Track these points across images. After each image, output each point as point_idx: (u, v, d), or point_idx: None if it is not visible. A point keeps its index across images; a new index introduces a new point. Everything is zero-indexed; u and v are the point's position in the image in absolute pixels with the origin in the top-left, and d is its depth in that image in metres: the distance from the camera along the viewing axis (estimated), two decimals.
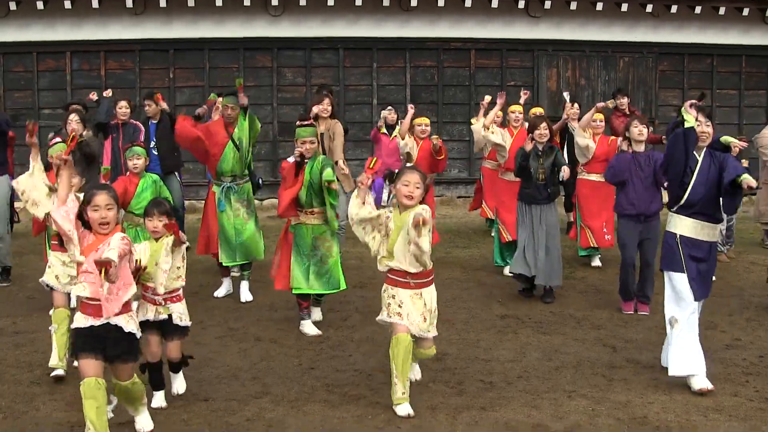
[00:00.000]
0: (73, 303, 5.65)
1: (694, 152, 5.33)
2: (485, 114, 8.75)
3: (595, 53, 13.15)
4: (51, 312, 5.69)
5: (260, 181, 7.70)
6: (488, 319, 6.86)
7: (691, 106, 5.26)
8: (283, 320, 6.78)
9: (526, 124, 8.10)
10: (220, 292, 7.54)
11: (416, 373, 5.36)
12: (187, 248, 4.95)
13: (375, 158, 5.08)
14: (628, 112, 10.09)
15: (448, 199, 12.85)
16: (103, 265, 3.87)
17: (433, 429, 4.66)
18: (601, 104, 8.60)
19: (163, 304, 4.85)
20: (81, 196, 5.45)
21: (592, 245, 8.59)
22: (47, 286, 5.69)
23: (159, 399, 4.93)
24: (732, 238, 9.34)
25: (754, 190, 5.33)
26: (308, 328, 6.47)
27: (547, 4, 12.42)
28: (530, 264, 7.29)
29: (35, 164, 6.30)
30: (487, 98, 9.04)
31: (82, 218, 4.25)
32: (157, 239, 4.83)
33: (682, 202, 5.34)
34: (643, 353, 5.94)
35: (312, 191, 6.32)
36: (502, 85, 12.94)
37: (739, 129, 12.98)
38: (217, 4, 11.86)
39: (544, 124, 7.39)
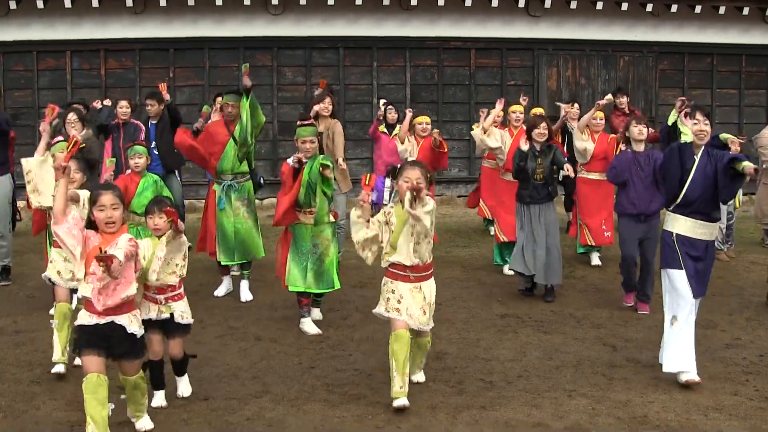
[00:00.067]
0: (74, 303, 5.67)
1: (692, 150, 5.35)
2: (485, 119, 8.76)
3: (595, 52, 13.15)
4: (52, 310, 5.69)
5: (261, 179, 7.69)
6: (488, 319, 6.86)
7: (686, 116, 5.28)
8: (283, 319, 6.78)
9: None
10: (220, 291, 7.54)
11: (419, 377, 5.38)
12: (189, 247, 4.95)
13: (369, 174, 5.07)
14: (627, 112, 10.09)
15: (448, 199, 12.85)
16: (105, 261, 3.89)
17: (433, 428, 4.67)
18: (602, 101, 8.59)
19: (164, 303, 4.86)
20: (81, 193, 5.51)
21: (589, 243, 8.61)
22: (49, 280, 5.71)
23: (159, 398, 4.93)
24: (732, 238, 9.34)
25: (754, 176, 5.35)
26: (308, 326, 6.47)
27: (547, 3, 12.41)
28: (529, 264, 7.30)
29: (48, 154, 6.33)
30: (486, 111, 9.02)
31: (89, 222, 4.30)
32: (159, 237, 4.84)
33: (679, 200, 5.35)
34: (643, 352, 5.94)
35: (311, 191, 6.32)
36: (502, 84, 12.96)
37: (739, 128, 12.97)
38: (217, 4, 11.86)
39: (543, 124, 7.40)
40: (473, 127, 9.26)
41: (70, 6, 11.73)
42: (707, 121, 5.37)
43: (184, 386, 5.12)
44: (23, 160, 6.58)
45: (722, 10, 12.73)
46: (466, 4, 12.31)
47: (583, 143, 8.43)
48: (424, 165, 5.19)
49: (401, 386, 4.85)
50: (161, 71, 12.37)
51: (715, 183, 5.25)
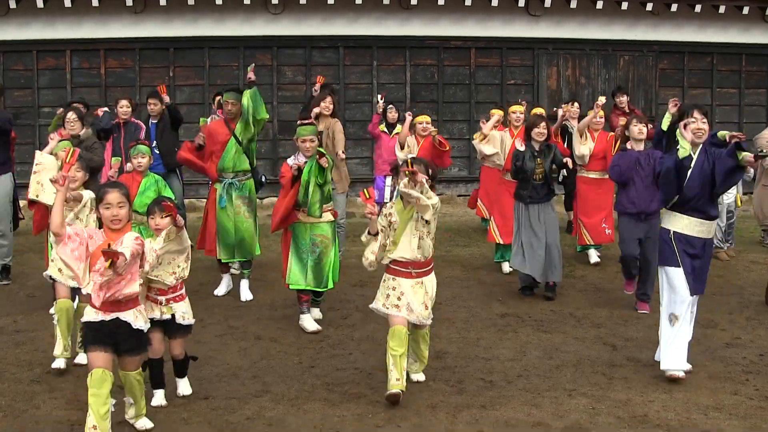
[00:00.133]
0: (75, 303, 5.67)
1: (689, 164, 5.33)
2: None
3: (595, 52, 13.15)
4: (52, 309, 5.70)
5: (263, 178, 7.69)
6: (488, 318, 6.86)
7: (685, 126, 5.25)
8: (283, 319, 6.78)
9: None
10: (221, 291, 7.53)
11: (420, 377, 5.40)
12: (191, 247, 4.96)
13: (367, 190, 5.07)
14: (627, 111, 10.09)
15: (448, 198, 12.84)
16: (111, 256, 3.90)
17: (434, 427, 4.67)
18: (601, 102, 8.59)
19: (166, 304, 4.87)
20: (85, 193, 5.51)
21: (588, 242, 8.61)
22: (50, 278, 5.73)
23: (159, 397, 4.93)
24: (732, 237, 9.35)
25: (753, 165, 5.35)
26: (307, 322, 6.49)
27: (547, 3, 12.40)
28: (529, 263, 7.31)
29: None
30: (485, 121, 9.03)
31: (100, 224, 4.35)
32: None
33: (677, 198, 5.35)
34: (643, 352, 5.94)
35: (309, 190, 6.33)
36: (503, 83, 12.95)
37: (739, 128, 12.95)
38: (217, 3, 11.85)
39: (543, 124, 7.41)
40: (474, 136, 9.25)
41: (70, 5, 11.73)
42: (705, 120, 5.37)
43: (184, 386, 5.12)
44: (38, 153, 6.70)
45: (722, 9, 12.72)
46: (467, 4, 12.31)
47: (581, 149, 8.44)
48: (427, 161, 5.25)
49: (398, 378, 4.89)
50: (161, 70, 12.38)
51: (712, 181, 5.25)
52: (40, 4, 11.66)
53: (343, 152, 7.65)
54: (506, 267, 8.34)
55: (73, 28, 12.04)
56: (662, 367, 5.36)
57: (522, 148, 7.29)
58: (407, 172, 4.83)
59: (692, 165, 5.29)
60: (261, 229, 7.69)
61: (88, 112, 8.76)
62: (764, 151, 7.25)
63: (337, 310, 7.05)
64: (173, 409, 4.89)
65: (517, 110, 8.71)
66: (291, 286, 6.48)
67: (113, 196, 4.31)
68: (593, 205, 8.53)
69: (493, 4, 12.39)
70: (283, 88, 12.66)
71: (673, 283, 5.35)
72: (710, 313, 6.77)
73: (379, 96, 9.98)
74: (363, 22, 12.54)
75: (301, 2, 12.05)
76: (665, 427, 4.65)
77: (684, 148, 5.21)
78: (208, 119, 7.98)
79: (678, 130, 5.29)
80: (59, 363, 5.42)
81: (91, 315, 4.27)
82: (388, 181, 8.98)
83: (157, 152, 8.89)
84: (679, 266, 5.33)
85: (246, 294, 7.40)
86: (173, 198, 6.34)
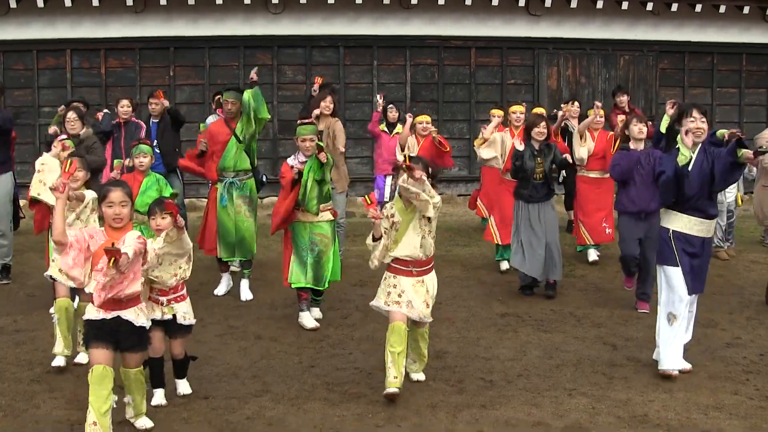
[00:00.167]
0: (75, 303, 5.67)
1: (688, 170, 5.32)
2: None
3: (595, 51, 13.15)
4: (52, 308, 5.70)
5: (264, 177, 7.69)
6: (488, 318, 6.86)
7: (687, 133, 5.25)
8: (284, 318, 6.79)
9: None
10: (221, 290, 7.53)
11: (419, 376, 5.40)
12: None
13: (368, 196, 5.08)
14: (627, 110, 10.08)
15: (448, 198, 12.83)
16: (113, 255, 3.90)
17: (434, 427, 4.67)
18: (597, 105, 8.62)
19: (167, 304, 4.87)
20: (87, 193, 5.51)
21: (587, 242, 8.61)
22: (50, 278, 5.73)
23: (159, 397, 4.93)
24: (732, 236, 9.35)
25: (753, 162, 5.34)
26: (306, 320, 6.50)
27: (548, 2, 12.40)
28: (529, 262, 7.31)
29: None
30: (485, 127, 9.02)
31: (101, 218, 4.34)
32: None
33: (676, 197, 5.35)
34: (643, 351, 5.93)
35: (308, 187, 6.34)
36: (503, 83, 12.95)
37: (739, 127, 12.92)
38: (217, 2, 11.85)
39: (543, 123, 7.42)
40: (475, 143, 9.23)
41: (70, 5, 11.72)
42: (704, 119, 5.37)
43: (183, 385, 5.12)
44: (45, 154, 6.72)
45: (722, 8, 12.72)
46: (467, 3, 12.30)
47: (581, 152, 8.43)
48: (426, 160, 5.27)
49: (395, 376, 4.90)
50: (161, 70, 12.38)
51: (711, 180, 5.25)
52: (40, 3, 11.66)
53: (343, 146, 7.66)
54: (504, 265, 8.34)
55: (74, 28, 12.04)
56: (661, 367, 5.37)
57: (522, 148, 7.30)
58: (403, 167, 4.84)
59: (691, 164, 5.28)
60: (260, 229, 7.68)
61: (88, 111, 8.76)
62: (764, 147, 7.25)
63: (337, 309, 7.05)
64: (173, 408, 4.89)
65: (518, 110, 8.70)
66: (292, 285, 6.49)
67: (116, 194, 4.33)
68: (593, 204, 8.53)
69: (493, 4, 12.39)
70: (283, 88, 12.65)
71: (672, 283, 5.36)
72: (710, 313, 6.77)
73: (379, 96, 9.99)
74: (363, 22, 12.53)
75: (301, 2, 12.05)
76: (665, 427, 4.65)
77: (684, 155, 5.21)
78: (207, 120, 7.97)
79: (679, 136, 5.28)
80: (59, 361, 5.44)
81: (92, 313, 4.28)
82: (389, 180, 8.99)
83: (158, 152, 8.89)
84: (678, 265, 5.34)
85: (246, 294, 7.40)
86: (177, 193, 6.34)
